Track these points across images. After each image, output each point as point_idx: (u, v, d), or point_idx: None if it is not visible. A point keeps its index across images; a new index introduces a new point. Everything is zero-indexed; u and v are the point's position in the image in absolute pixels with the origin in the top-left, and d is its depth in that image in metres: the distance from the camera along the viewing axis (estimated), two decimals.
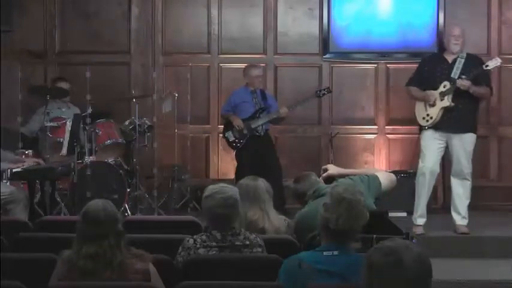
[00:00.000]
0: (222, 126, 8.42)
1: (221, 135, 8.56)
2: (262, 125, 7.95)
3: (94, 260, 3.51)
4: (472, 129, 7.01)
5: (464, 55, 7.00)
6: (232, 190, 4.10)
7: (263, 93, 8.12)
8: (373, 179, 4.78)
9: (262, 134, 7.98)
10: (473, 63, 6.96)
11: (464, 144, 6.98)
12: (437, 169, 7.09)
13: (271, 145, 8.11)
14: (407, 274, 2.33)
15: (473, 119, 7.02)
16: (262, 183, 4.67)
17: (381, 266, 2.35)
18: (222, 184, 4.18)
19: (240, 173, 7.44)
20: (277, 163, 7.98)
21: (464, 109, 6.93)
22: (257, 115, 7.96)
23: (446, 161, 8.27)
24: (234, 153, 8.08)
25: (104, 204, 3.63)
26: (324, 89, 8.20)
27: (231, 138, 7.98)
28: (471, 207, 8.25)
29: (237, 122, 7.92)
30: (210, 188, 4.11)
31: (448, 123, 6.94)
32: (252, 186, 4.62)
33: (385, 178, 4.92)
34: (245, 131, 7.91)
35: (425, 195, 7.05)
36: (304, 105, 8.26)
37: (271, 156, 7.97)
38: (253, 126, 7.91)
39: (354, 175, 4.86)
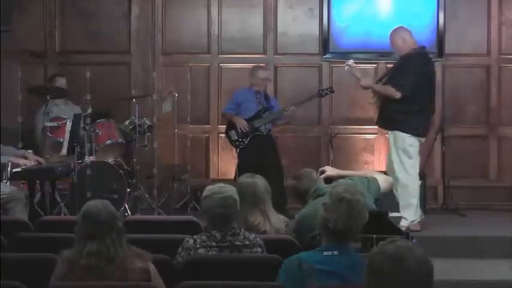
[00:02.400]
0: (221, 126, 8.46)
1: (221, 135, 8.60)
2: (265, 124, 7.94)
3: (97, 257, 3.53)
4: (399, 128, 6.94)
5: (398, 56, 7.16)
6: (231, 190, 4.11)
7: (266, 95, 8.13)
8: (372, 181, 4.79)
9: (265, 133, 7.97)
10: (396, 64, 7.18)
11: (391, 140, 7.00)
12: (390, 168, 7.05)
13: (274, 145, 8.10)
14: (412, 276, 2.33)
15: (398, 118, 6.94)
16: (260, 182, 4.66)
17: (386, 271, 2.34)
18: (220, 184, 4.19)
19: (241, 173, 7.42)
20: (279, 163, 7.97)
21: (386, 108, 7.04)
22: (260, 114, 7.96)
23: (446, 161, 8.30)
24: (236, 152, 8.07)
25: (103, 203, 3.67)
26: (327, 89, 8.19)
27: (234, 138, 7.98)
28: (471, 207, 8.30)
29: (241, 123, 7.92)
30: (209, 189, 4.12)
31: (377, 121, 7.26)
32: (251, 185, 4.60)
33: (384, 180, 4.93)
34: (248, 131, 7.91)
35: (398, 194, 7.01)
36: (306, 104, 8.25)
37: (273, 156, 7.96)
38: (256, 125, 7.91)
39: (352, 176, 4.87)
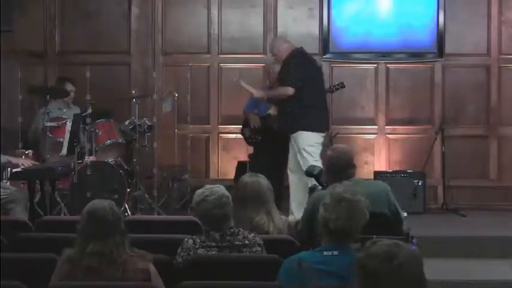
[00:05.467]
0: (221, 126, 8.60)
1: (221, 135, 8.71)
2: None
3: (99, 258, 3.53)
4: (299, 127, 7.09)
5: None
6: (222, 189, 4.15)
7: None
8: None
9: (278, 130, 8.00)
10: (280, 70, 7.38)
11: (293, 141, 7.15)
12: (294, 167, 7.21)
13: (286, 142, 8.07)
14: (405, 272, 2.36)
15: (295, 118, 7.09)
16: (263, 181, 4.67)
17: (381, 272, 2.36)
18: (207, 186, 4.21)
19: (251, 169, 7.45)
20: (285, 161, 7.99)
21: (282, 113, 7.27)
22: None
23: (446, 161, 8.30)
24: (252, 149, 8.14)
25: (109, 204, 3.66)
26: (338, 84, 8.16)
27: (247, 134, 8.04)
28: (471, 207, 8.30)
29: (254, 120, 7.96)
30: (200, 193, 4.14)
31: (278, 128, 7.43)
32: (256, 185, 4.61)
33: None
34: (260, 128, 7.94)
35: (292, 193, 7.16)
36: None
37: (282, 154, 7.97)
38: (269, 123, 7.93)
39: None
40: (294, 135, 7.14)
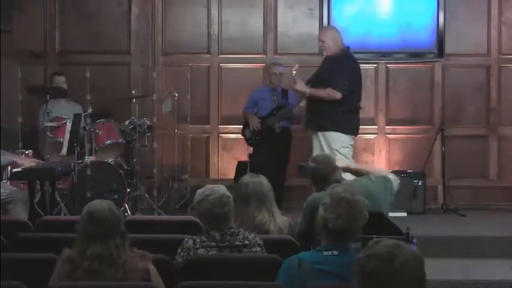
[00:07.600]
0: (221, 126, 8.60)
1: (221, 135, 8.70)
2: (278, 122, 7.95)
3: (100, 260, 3.52)
4: (335, 128, 7.02)
5: (325, 55, 7.27)
6: (223, 188, 4.15)
7: (285, 92, 8.08)
8: (389, 181, 4.80)
9: (278, 131, 7.98)
10: (322, 67, 7.24)
11: (324, 142, 7.05)
12: None
13: (285, 143, 8.06)
14: (406, 274, 2.35)
15: (334, 118, 7.02)
16: (265, 181, 4.68)
17: (380, 273, 2.35)
18: (208, 186, 4.22)
19: (252, 170, 7.47)
20: (284, 162, 8.00)
21: (314, 109, 7.13)
22: (274, 112, 7.98)
23: (446, 161, 8.30)
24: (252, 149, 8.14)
25: (108, 205, 3.65)
26: None
27: (248, 135, 8.06)
28: (471, 207, 8.30)
29: (254, 122, 7.97)
30: (201, 192, 4.14)
31: (306, 123, 7.35)
32: (257, 185, 4.62)
33: (394, 180, 4.93)
34: (260, 129, 7.94)
35: None
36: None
37: (282, 155, 7.98)
38: (269, 123, 7.94)
39: (371, 176, 4.86)
40: (326, 133, 7.05)
